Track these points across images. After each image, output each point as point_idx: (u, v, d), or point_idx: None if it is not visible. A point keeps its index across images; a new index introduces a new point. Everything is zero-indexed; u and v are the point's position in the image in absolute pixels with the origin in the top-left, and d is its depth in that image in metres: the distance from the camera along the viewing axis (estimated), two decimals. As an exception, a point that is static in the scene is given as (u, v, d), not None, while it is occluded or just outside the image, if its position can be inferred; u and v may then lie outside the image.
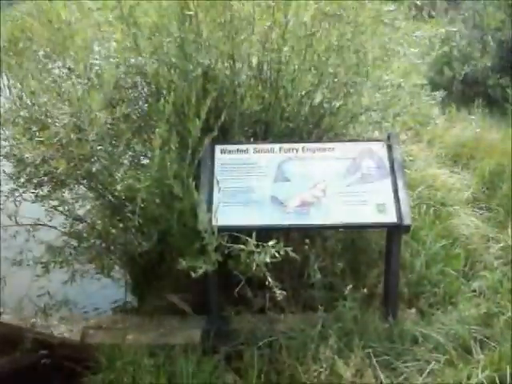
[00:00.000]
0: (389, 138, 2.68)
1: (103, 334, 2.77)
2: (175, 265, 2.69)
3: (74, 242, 2.61)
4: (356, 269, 3.10)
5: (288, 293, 2.80)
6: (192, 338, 2.72)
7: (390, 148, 2.66)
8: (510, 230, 3.54)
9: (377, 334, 2.58)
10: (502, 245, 3.46)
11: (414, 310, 2.91)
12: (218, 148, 2.65)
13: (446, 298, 2.96)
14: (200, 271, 2.29)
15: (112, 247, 2.84)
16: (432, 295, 3.00)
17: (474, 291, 3.01)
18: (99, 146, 2.23)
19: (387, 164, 2.62)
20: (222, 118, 2.36)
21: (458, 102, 5.81)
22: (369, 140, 2.82)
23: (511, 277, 3.06)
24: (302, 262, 2.81)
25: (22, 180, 2.45)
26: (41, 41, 2.40)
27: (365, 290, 2.61)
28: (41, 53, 2.41)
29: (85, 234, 2.66)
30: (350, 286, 2.56)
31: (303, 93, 2.63)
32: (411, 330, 2.63)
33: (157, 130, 2.24)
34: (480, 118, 5.42)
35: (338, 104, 2.74)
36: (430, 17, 5.71)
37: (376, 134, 3.06)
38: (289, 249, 2.26)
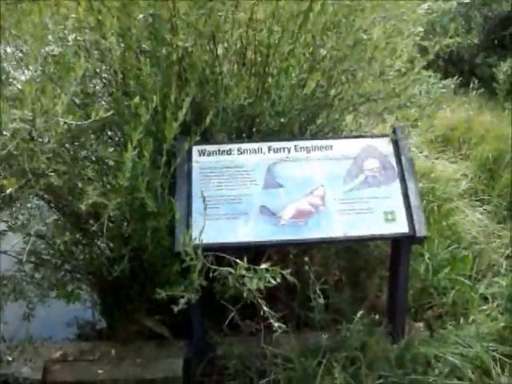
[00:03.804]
0: (395, 132, 2.31)
1: (69, 369, 2.37)
2: (149, 283, 2.34)
3: (31, 269, 2.20)
4: (354, 278, 2.78)
5: (279, 308, 2.50)
6: (173, 369, 2.36)
7: (396, 144, 2.29)
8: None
9: (385, 359, 2.26)
10: (508, 241, 3.17)
11: (421, 324, 2.60)
12: (195, 149, 2.25)
13: (456, 309, 2.66)
14: (182, 301, 1.92)
15: (76, 264, 2.45)
16: (440, 305, 2.70)
17: (486, 299, 2.72)
18: (56, 156, 1.81)
19: (394, 163, 2.26)
20: (207, 119, 1.96)
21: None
22: (372, 136, 2.44)
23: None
24: (296, 275, 2.48)
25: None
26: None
27: (376, 316, 2.27)
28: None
29: (44, 256, 2.25)
30: (360, 313, 2.21)
31: (294, 81, 2.24)
32: (423, 352, 2.31)
33: (126, 132, 1.83)
34: (469, 98, 5.12)
35: (333, 92, 2.36)
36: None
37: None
38: (286, 272, 1.91)
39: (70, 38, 1.99)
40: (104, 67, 2.22)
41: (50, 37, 1.94)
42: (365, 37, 2.13)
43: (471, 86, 4.99)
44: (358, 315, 2.21)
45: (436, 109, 2.42)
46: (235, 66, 2.24)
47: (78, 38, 2.02)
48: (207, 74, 2.13)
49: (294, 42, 2.12)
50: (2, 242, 2.15)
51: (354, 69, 2.21)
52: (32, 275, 2.23)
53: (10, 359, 2.18)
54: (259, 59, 2.22)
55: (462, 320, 2.56)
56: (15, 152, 1.77)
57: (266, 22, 2.06)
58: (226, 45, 2.08)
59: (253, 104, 2.20)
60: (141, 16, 2.00)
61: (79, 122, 1.71)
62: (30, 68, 1.83)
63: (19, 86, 1.82)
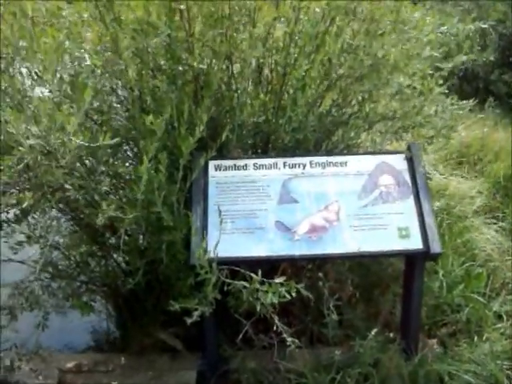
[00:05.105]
0: (409, 149, 2.33)
1: (83, 379, 2.40)
2: (164, 296, 2.36)
3: (47, 278, 2.23)
4: (368, 294, 2.77)
5: (293, 323, 2.51)
6: (186, 382, 2.37)
7: (411, 161, 2.31)
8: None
9: (398, 376, 2.25)
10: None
11: (435, 341, 2.59)
12: (211, 164, 2.28)
13: (470, 327, 2.65)
14: (195, 314, 1.94)
15: (91, 276, 2.48)
16: (454, 323, 2.69)
17: (500, 317, 2.70)
18: (72, 170, 1.84)
19: (409, 180, 2.28)
20: (223, 136, 1.99)
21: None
22: (386, 152, 2.46)
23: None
24: (310, 290, 2.49)
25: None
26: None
27: (389, 332, 2.27)
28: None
29: (60, 266, 2.28)
30: (374, 331, 2.21)
31: (310, 100, 2.26)
32: (436, 369, 2.30)
33: (142, 146, 1.86)
34: (484, 115, 5.11)
35: (350, 111, 2.38)
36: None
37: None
38: (301, 286, 1.92)
39: (87, 56, 2.02)
40: (120, 84, 2.25)
41: (66, 57, 1.98)
42: (383, 59, 2.15)
43: (486, 103, 4.98)
44: (372, 332, 2.21)
45: (451, 131, 2.42)
46: (251, 83, 2.26)
47: (95, 57, 2.05)
48: (223, 91, 2.16)
49: (310, 62, 2.15)
50: (20, 252, 2.18)
51: (371, 89, 2.23)
52: (48, 285, 2.26)
53: (22, 367, 2.20)
54: (275, 77, 2.25)
55: (475, 338, 2.54)
56: (33, 165, 1.82)
57: (284, 43, 2.09)
58: (242, 63, 2.11)
59: (269, 121, 2.23)
60: (156, 40, 2.02)
61: (87, 143, 1.72)
62: (46, 87, 1.87)
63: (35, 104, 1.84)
